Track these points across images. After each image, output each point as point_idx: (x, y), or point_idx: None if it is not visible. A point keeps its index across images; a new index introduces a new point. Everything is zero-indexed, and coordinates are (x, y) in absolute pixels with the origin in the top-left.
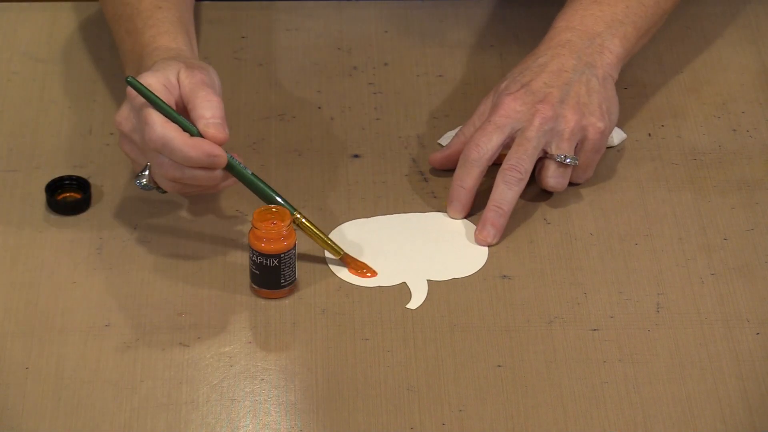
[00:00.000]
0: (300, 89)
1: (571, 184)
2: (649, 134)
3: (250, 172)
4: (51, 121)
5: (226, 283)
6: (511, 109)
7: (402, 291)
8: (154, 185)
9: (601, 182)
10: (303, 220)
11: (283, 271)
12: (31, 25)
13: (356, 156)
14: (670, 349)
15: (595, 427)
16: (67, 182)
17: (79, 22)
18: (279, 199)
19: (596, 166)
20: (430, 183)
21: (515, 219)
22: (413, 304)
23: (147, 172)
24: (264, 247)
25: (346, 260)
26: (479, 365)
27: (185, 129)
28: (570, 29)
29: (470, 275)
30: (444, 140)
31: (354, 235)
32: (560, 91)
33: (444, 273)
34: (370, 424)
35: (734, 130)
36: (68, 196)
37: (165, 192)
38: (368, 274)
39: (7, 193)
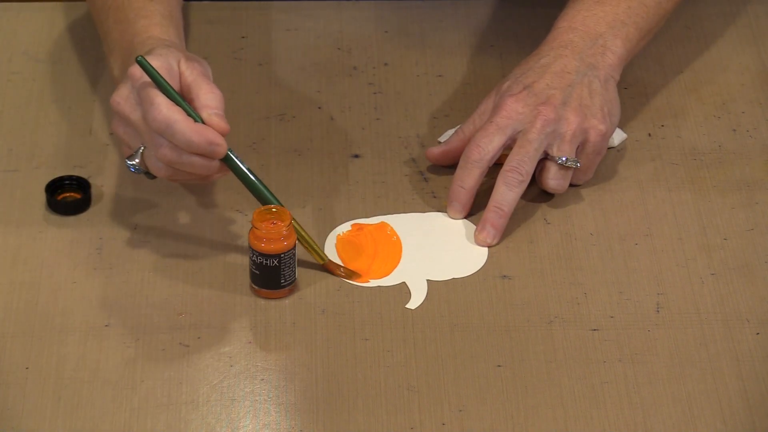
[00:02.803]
0: (300, 89)
1: (571, 185)
2: (649, 134)
3: (246, 167)
4: (51, 121)
5: (226, 283)
6: (513, 110)
7: (402, 291)
8: (144, 169)
9: (601, 182)
10: (292, 222)
11: (283, 271)
12: (31, 25)
13: (356, 156)
14: (670, 349)
15: (595, 427)
16: (67, 182)
17: (79, 22)
18: (272, 198)
19: (597, 167)
20: (430, 183)
21: (515, 219)
22: (412, 304)
23: (139, 155)
24: (264, 247)
25: (329, 267)
26: (479, 365)
27: (188, 115)
28: (572, 30)
29: (470, 275)
30: (444, 138)
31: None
32: (562, 93)
33: (444, 273)
34: (370, 424)
35: (734, 130)
36: (68, 196)
37: (154, 177)
38: (356, 278)
39: (7, 193)
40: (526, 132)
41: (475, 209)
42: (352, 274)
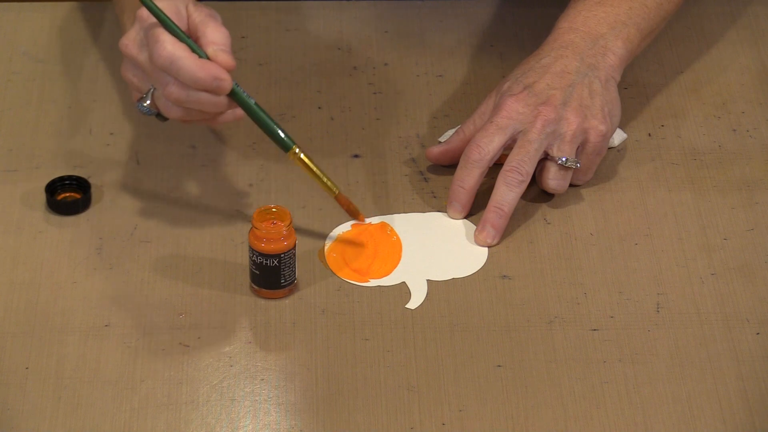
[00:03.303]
0: (300, 89)
1: (571, 185)
2: (649, 134)
3: (254, 102)
4: (51, 121)
5: (226, 283)
6: (513, 110)
7: (402, 291)
8: (155, 110)
9: (602, 182)
10: (302, 156)
11: (283, 271)
12: (31, 25)
13: (356, 156)
14: (670, 349)
15: (595, 427)
16: (67, 182)
17: (79, 22)
18: (279, 131)
19: (597, 167)
20: (430, 183)
21: (515, 219)
22: (412, 304)
23: (150, 96)
24: (264, 247)
25: (339, 200)
26: (479, 365)
27: (194, 52)
28: (573, 30)
29: (470, 275)
30: (444, 138)
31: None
32: (563, 93)
33: (444, 273)
34: (370, 424)
35: (734, 130)
36: (68, 196)
37: (165, 120)
38: (361, 217)
39: (7, 193)
40: (527, 132)
41: (475, 209)
42: (357, 212)
